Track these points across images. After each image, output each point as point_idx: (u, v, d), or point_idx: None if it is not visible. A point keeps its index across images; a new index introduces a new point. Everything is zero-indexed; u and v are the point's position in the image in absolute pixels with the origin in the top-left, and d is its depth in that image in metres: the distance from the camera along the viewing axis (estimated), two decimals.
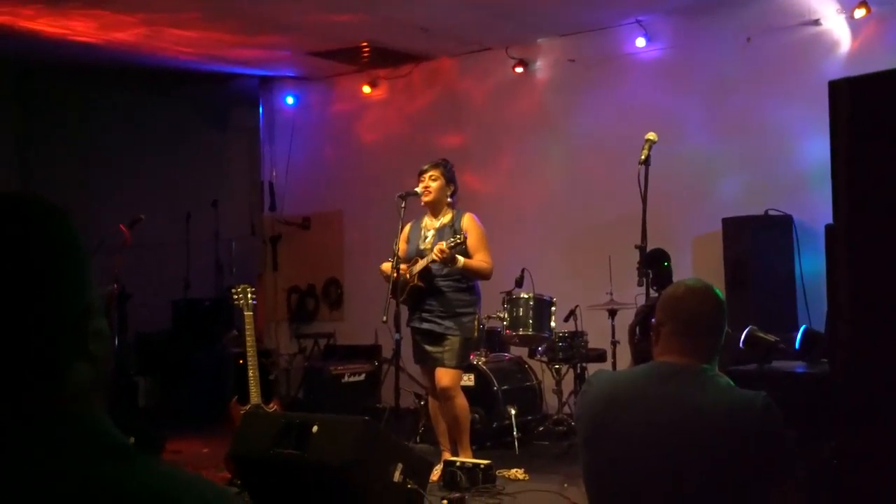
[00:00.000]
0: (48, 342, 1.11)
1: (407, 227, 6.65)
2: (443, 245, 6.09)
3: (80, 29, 9.03)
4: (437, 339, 6.40)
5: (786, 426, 2.59)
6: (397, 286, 6.38)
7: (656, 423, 2.61)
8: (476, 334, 6.48)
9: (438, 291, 6.39)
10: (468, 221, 6.43)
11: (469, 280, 6.43)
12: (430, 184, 6.48)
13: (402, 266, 6.46)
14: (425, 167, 6.54)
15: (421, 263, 6.33)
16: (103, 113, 11.39)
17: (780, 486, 2.55)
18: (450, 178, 6.53)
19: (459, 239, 6.13)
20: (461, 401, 6.44)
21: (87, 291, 1.16)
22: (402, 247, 6.57)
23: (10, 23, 8.78)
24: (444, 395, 6.38)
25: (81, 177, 11.02)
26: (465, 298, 6.41)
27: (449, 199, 6.54)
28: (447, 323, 6.36)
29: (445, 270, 6.32)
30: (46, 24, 8.88)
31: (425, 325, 6.42)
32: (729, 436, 2.52)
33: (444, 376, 6.36)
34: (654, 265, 5.56)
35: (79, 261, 1.16)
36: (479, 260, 6.32)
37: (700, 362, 2.69)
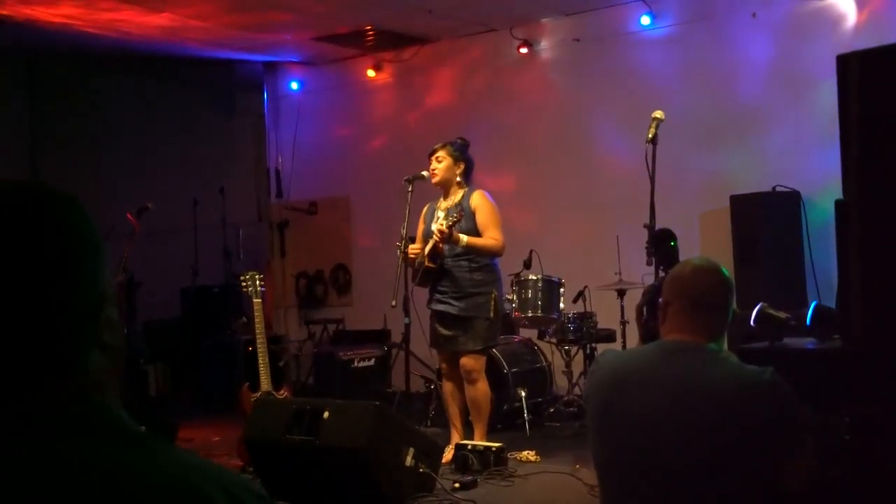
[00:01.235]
0: (65, 331, 1.11)
1: (424, 210, 6.65)
2: (441, 225, 6.08)
3: (84, 16, 9.01)
4: (455, 321, 6.36)
5: (798, 400, 2.59)
6: (405, 270, 6.38)
7: (664, 401, 2.62)
8: (494, 314, 6.40)
9: (450, 272, 6.35)
10: (478, 198, 6.39)
11: (483, 259, 6.39)
12: (436, 165, 6.47)
13: (417, 248, 6.45)
14: (434, 148, 6.53)
15: (429, 245, 6.32)
16: (110, 100, 11.41)
17: (791, 461, 2.55)
18: (458, 157, 6.48)
19: (456, 216, 6.11)
20: (484, 386, 6.43)
21: (102, 280, 1.16)
22: (420, 228, 6.57)
23: (16, 13, 8.78)
24: (468, 378, 6.37)
25: (89, 164, 11.06)
26: (478, 278, 6.34)
27: (458, 179, 6.49)
28: (462, 304, 6.32)
29: (457, 250, 6.29)
30: (49, 14, 8.87)
31: (440, 307, 6.40)
32: (736, 412, 2.53)
33: (468, 360, 6.35)
34: (661, 245, 5.55)
35: (93, 249, 1.16)
36: (488, 237, 6.27)
37: (707, 340, 2.71)
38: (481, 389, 6.40)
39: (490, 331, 6.41)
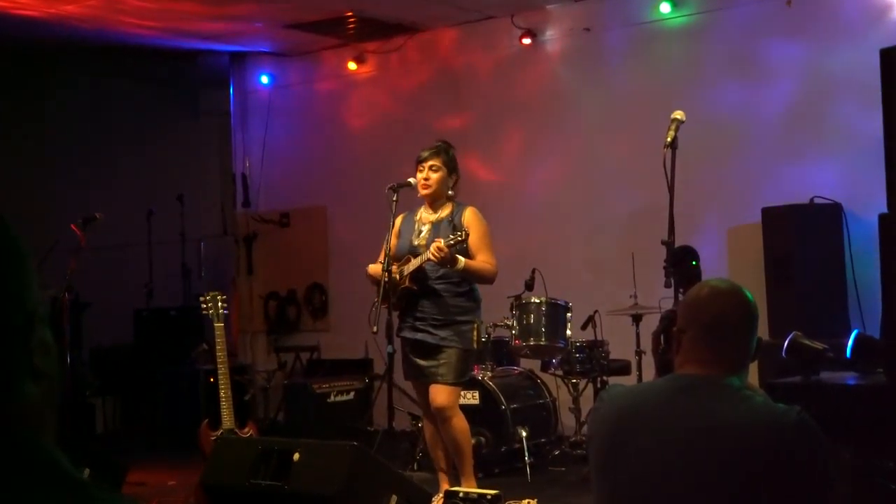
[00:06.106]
0: None
1: (398, 220, 6.54)
2: (440, 243, 6.00)
3: (24, 1, 9.02)
4: (431, 351, 6.30)
5: (831, 445, 2.58)
6: (388, 290, 6.32)
7: (675, 444, 2.60)
8: (476, 345, 6.39)
9: (434, 295, 6.28)
10: (470, 216, 6.34)
11: (468, 283, 6.38)
12: (431, 175, 6.35)
13: (394, 266, 6.40)
14: (425, 155, 6.40)
15: (414, 263, 6.22)
16: (57, 97, 11.40)
17: None
18: (452, 168, 6.42)
19: (461, 236, 6.01)
20: (460, 422, 6.36)
21: (31, 298, 1.15)
22: (392, 242, 6.52)
23: None
24: (440, 416, 6.30)
25: (33, 169, 11.04)
26: (463, 304, 6.30)
27: (451, 192, 6.46)
28: (443, 332, 6.26)
29: (442, 272, 6.25)
30: None
31: (418, 336, 6.33)
32: (756, 457, 2.51)
33: (439, 394, 6.27)
34: (681, 264, 5.54)
35: (18, 263, 1.15)
36: (482, 261, 6.23)
37: (726, 374, 2.68)
38: (457, 426, 6.32)
39: (466, 363, 6.38)
